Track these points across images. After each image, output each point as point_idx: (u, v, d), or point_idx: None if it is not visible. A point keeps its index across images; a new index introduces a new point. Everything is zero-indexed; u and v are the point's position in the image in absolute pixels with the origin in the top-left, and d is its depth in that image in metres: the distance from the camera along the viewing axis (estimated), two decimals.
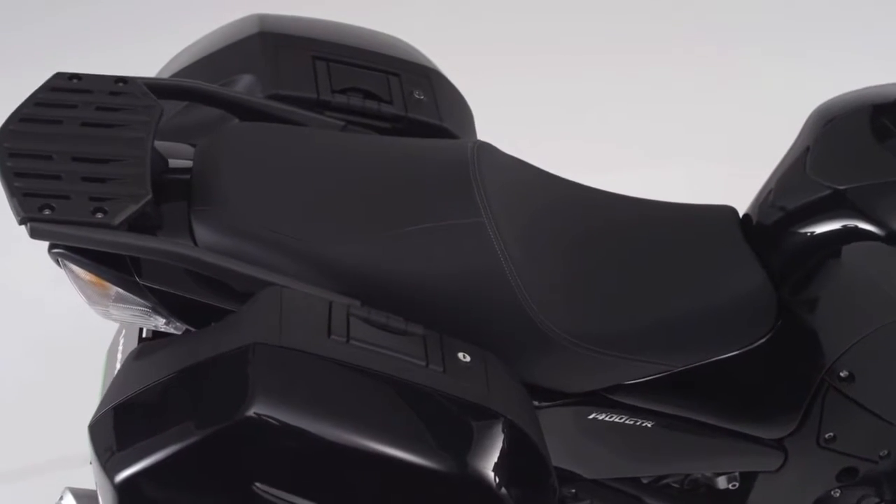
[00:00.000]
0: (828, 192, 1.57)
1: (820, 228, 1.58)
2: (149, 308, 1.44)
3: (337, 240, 1.45)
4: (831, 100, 1.69)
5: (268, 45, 1.73)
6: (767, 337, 1.60)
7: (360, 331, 1.33)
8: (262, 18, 1.78)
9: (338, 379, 1.27)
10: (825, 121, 1.66)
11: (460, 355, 1.37)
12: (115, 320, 1.49)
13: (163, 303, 1.43)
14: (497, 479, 1.29)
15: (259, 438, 1.22)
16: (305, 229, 1.45)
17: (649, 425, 1.63)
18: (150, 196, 1.36)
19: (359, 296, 1.41)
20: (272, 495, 1.23)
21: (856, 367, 1.61)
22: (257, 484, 1.22)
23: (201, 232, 1.42)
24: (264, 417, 1.21)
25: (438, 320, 1.43)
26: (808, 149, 1.64)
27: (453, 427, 1.31)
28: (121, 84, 1.52)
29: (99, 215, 1.33)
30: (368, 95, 1.74)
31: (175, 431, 1.23)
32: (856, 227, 1.54)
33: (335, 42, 1.79)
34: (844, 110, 1.65)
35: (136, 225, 1.36)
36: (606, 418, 1.60)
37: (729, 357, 1.60)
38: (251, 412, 1.21)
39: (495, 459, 1.30)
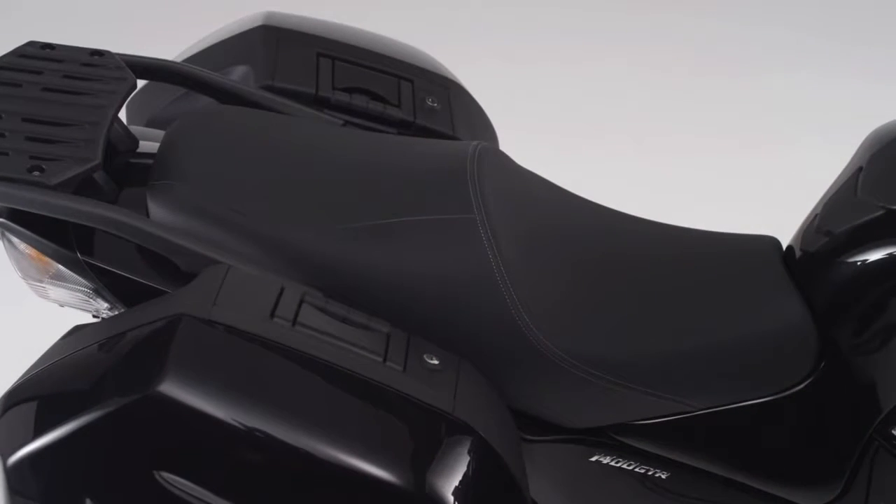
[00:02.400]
0: (881, 212, 1.36)
1: (872, 256, 1.35)
2: (90, 290, 1.29)
3: (305, 227, 1.29)
4: (889, 122, 1.49)
5: (270, 38, 1.62)
6: (807, 382, 1.37)
7: (311, 318, 1.16)
8: (270, 14, 1.67)
9: (270, 362, 1.10)
10: (881, 142, 1.45)
11: (427, 357, 1.18)
12: (53, 301, 1.34)
13: (106, 284, 1.28)
14: (454, 502, 1.08)
15: (166, 419, 1.05)
16: (271, 213, 1.29)
17: (663, 476, 1.40)
18: (97, 161, 1.23)
19: (324, 289, 1.24)
20: (178, 487, 1.04)
21: None
22: (161, 472, 1.04)
23: (155, 207, 1.28)
24: (173, 396, 1.04)
25: (416, 324, 1.25)
26: (860, 169, 1.43)
27: (406, 432, 1.11)
28: (96, 57, 1.42)
29: (36, 174, 1.20)
30: (374, 97, 1.60)
31: (74, 409, 1.06)
32: None
33: (344, 42, 1.66)
34: None
35: (82, 194, 1.23)
36: (612, 462, 1.38)
37: (761, 402, 1.37)
38: (158, 389, 1.04)
39: (455, 478, 1.10)
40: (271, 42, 1.61)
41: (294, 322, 1.13)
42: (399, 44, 1.74)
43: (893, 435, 1.37)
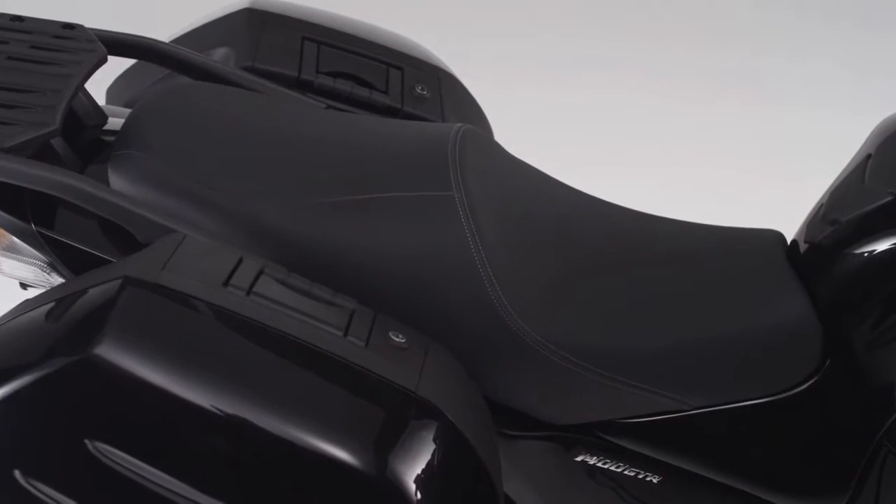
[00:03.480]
0: (889, 199, 1.27)
1: (881, 245, 1.26)
2: (45, 263, 1.23)
3: (272, 201, 1.21)
4: None
5: (254, 20, 1.56)
6: (810, 382, 1.27)
7: (269, 289, 1.08)
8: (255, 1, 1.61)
9: (218, 330, 1.02)
10: (891, 129, 1.36)
11: (393, 335, 1.10)
12: (6, 275, 1.27)
13: (61, 258, 1.21)
14: (417, 490, 0.99)
15: (102, 385, 0.97)
16: (237, 187, 1.22)
17: (655, 480, 1.30)
18: (54, 127, 1.17)
19: (290, 266, 1.16)
20: (111, 459, 0.96)
21: None
22: (95, 442, 0.96)
23: (116, 177, 1.22)
24: (111, 360, 0.97)
25: (388, 306, 1.17)
26: (868, 157, 1.35)
27: (364, 409, 1.03)
28: (67, 30, 1.37)
29: None
30: (361, 83, 1.53)
31: (8, 374, 0.99)
32: None
33: (332, 28, 1.60)
34: None
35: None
36: (599, 463, 1.28)
37: (761, 403, 1.27)
38: (94, 352, 0.97)
39: (417, 462, 1.01)
40: (255, 24, 1.55)
41: (249, 292, 1.06)
42: (391, 33, 1.68)
43: None
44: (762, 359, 1.28)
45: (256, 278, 1.08)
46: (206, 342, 1.01)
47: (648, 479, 1.29)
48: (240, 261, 1.10)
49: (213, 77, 1.43)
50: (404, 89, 1.54)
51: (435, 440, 1.03)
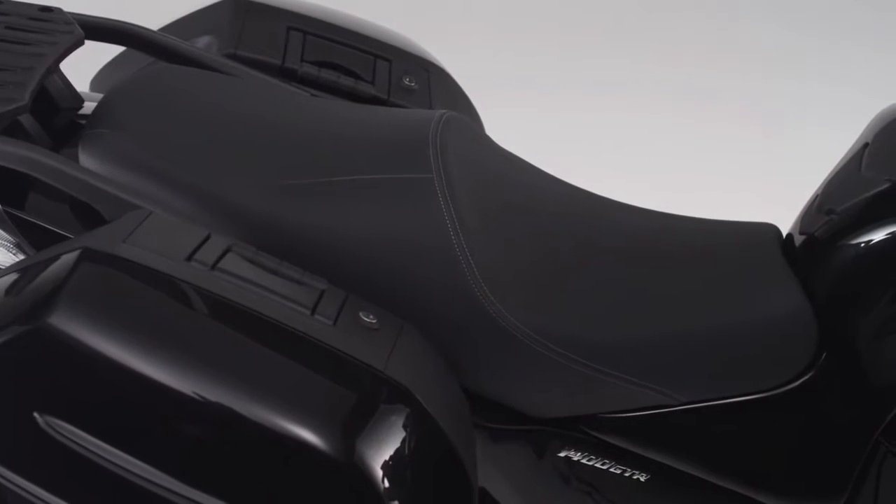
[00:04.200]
0: (886, 185, 1.22)
1: (877, 235, 1.21)
2: (12, 244, 1.19)
3: (242, 182, 1.18)
4: None
5: (239, 9, 1.53)
6: (805, 378, 1.22)
7: (235, 265, 1.04)
8: None
9: (178, 303, 0.98)
10: (889, 118, 1.32)
11: (364, 315, 1.06)
12: None
13: (29, 239, 1.18)
14: (383, 474, 0.95)
15: (54, 356, 0.94)
16: (208, 167, 1.19)
17: (642, 479, 1.24)
18: (23, 103, 1.14)
19: (262, 248, 1.12)
20: (63, 434, 0.92)
21: None
22: (45, 415, 0.92)
23: (86, 155, 1.19)
24: (64, 330, 0.93)
25: (362, 290, 1.13)
26: (865, 146, 1.30)
27: (329, 388, 0.99)
28: (45, 13, 1.34)
29: None
30: (347, 73, 1.50)
31: None
32: None
33: (319, 19, 1.57)
34: None
35: None
36: (583, 460, 1.23)
37: (753, 399, 1.22)
38: (47, 322, 0.93)
39: (384, 446, 0.96)
40: (239, 13, 1.52)
41: (213, 267, 1.02)
42: (381, 27, 1.65)
43: None
44: (754, 353, 1.23)
45: (223, 255, 1.04)
46: (165, 315, 0.98)
47: (635, 477, 1.24)
48: (206, 238, 1.06)
49: (193, 63, 1.40)
50: (391, 80, 1.51)
51: (404, 423, 0.99)
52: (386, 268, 1.16)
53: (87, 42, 1.32)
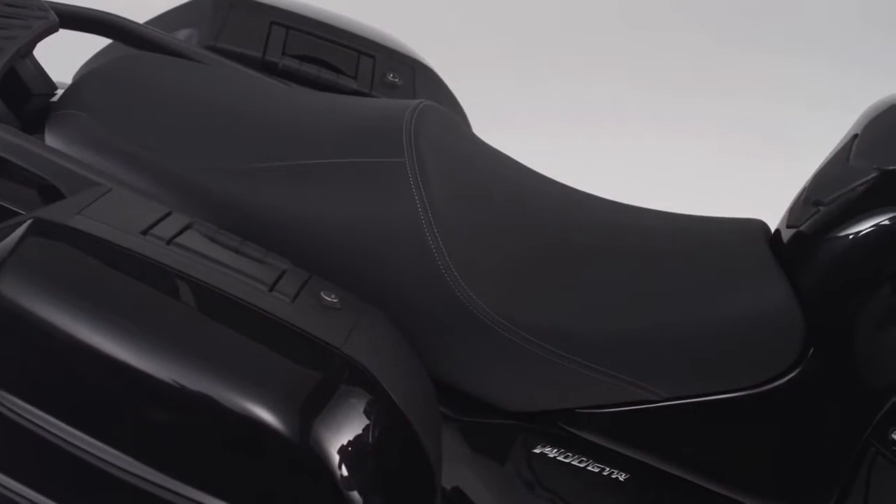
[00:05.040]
0: (874, 175, 1.18)
1: (865, 226, 1.16)
2: None
3: (207, 164, 1.15)
4: (889, 95, 1.32)
5: (221, 3, 1.51)
6: (790, 376, 1.17)
7: (194, 242, 1.01)
8: None
9: (128, 274, 0.95)
10: (879, 110, 1.28)
11: (325, 294, 1.02)
12: None
13: None
14: (336, 454, 0.91)
15: None
16: (175, 150, 1.16)
17: (621, 478, 1.20)
18: None
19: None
20: (5, 405, 0.88)
21: None
22: None
23: (52, 135, 1.17)
24: (7, 296, 0.90)
25: (327, 275, 1.09)
26: (855, 136, 1.26)
27: (282, 364, 0.95)
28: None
29: None
30: (329, 68, 1.47)
31: None
32: None
33: (305, 15, 1.55)
34: None
35: None
36: (560, 457, 1.19)
37: (737, 396, 1.18)
38: None
39: (339, 427, 0.93)
40: (222, 7, 1.50)
41: (170, 242, 0.98)
42: (368, 25, 1.63)
43: (893, 439, 1.17)
44: (738, 349, 1.19)
45: (181, 231, 1.01)
46: (114, 287, 0.94)
47: (615, 476, 1.19)
48: (166, 214, 1.03)
49: (169, 53, 1.38)
50: (375, 76, 1.48)
51: (360, 403, 0.95)
52: (354, 252, 1.12)
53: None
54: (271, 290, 0.99)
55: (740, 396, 1.18)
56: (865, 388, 1.18)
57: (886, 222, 1.15)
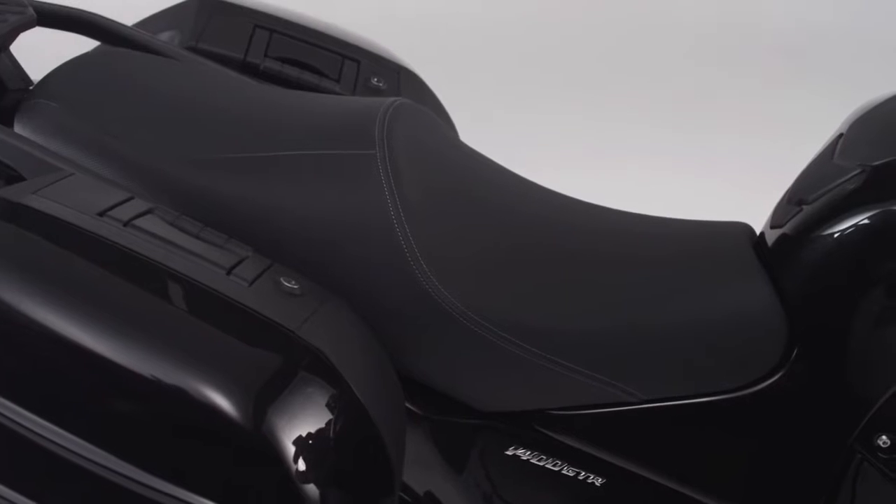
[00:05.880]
0: (857, 171, 1.15)
1: (849, 224, 1.13)
2: None
3: (172, 153, 1.14)
4: (875, 96, 1.29)
5: (205, 6, 1.50)
6: (773, 379, 1.14)
7: (153, 225, 0.99)
8: None
9: (80, 254, 0.93)
10: (865, 109, 1.26)
11: (285, 280, 1.00)
12: None
13: None
14: (288, 441, 0.88)
15: None
16: (142, 141, 1.15)
17: (598, 483, 1.16)
18: None
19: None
20: None
21: None
22: None
23: (21, 123, 1.16)
24: None
25: (299, 266, 1.07)
26: (840, 136, 1.24)
27: (232, 346, 0.92)
28: None
29: None
30: (311, 71, 1.46)
31: None
32: (894, 214, 1.11)
33: (290, 20, 1.53)
34: (890, 98, 1.25)
35: None
36: (534, 459, 1.15)
37: (718, 399, 1.14)
38: None
39: (290, 414, 0.90)
40: (205, 10, 1.49)
41: (127, 224, 0.96)
42: (356, 33, 1.61)
43: (878, 445, 1.13)
44: (718, 351, 1.15)
45: (140, 215, 0.99)
46: (65, 265, 0.92)
47: (590, 480, 1.16)
48: (127, 199, 1.02)
49: (149, 52, 1.37)
50: (358, 80, 1.47)
51: (316, 391, 0.92)
52: (321, 243, 1.10)
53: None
54: (228, 273, 0.96)
55: (721, 399, 1.14)
56: (850, 392, 1.14)
57: (869, 220, 1.11)
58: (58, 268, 0.92)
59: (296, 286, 0.99)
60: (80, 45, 1.42)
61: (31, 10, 1.29)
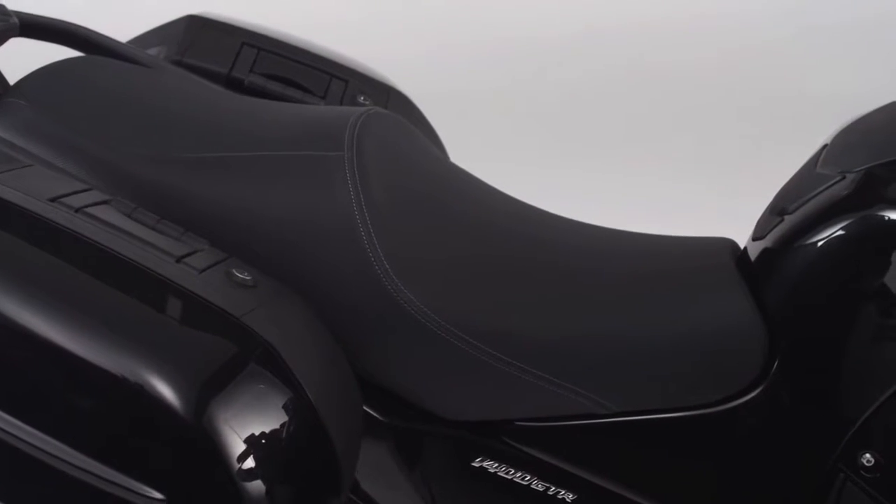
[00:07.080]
0: (839, 178, 1.12)
1: (830, 233, 1.09)
2: None
3: (138, 152, 1.13)
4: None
5: (194, 23, 1.51)
6: (751, 394, 1.09)
7: (107, 215, 0.97)
8: (204, 12, 1.56)
9: (24, 236, 0.91)
10: (850, 121, 1.23)
11: (238, 271, 0.97)
12: None
13: None
14: (227, 432, 0.86)
15: None
16: (109, 140, 1.14)
17: (568, 499, 1.12)
18: None
19: None
20: None
21: (883, 447, 1.07)
22: None
23: None
24: None
25: (262, 267, 1.05)
26: (824, 147, 1.21)
27: (174, 331, 0.90)
28: None
29: None
30: (297, 87, 1.45)
31: None
32: (875, 219, 1.07)
33: (278, 39, 1.53)
34: (875, 110, 1.22)
35: None
36: (501, 472, 1.11)
37: (693, 415, 1.10)
38: None
39: (232, 400, 0.87)
40: (194, 27, 1.50)
41: (79, 210, 0.95)
42: (346, 55, 1.61)
43: (862, 464, 1.08)
44: (694, 364, 1.11)
45: (95, 204, 0.98)
46: (8, 247, 0.91)
47: (561, 496, 1.11)
48: (84, 189, 1.00)
49: (131, 62, 1.37)
50: (345, 98, 1.46)
51: (259, 380, 0.89)
52: (284, 242, 1.08)
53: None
54: (178, 261, 0.94)
55: (697, 415, 1.10)
56: (833, 407, 1.09)
57: (848, 227, 1.08)
58: (3, 251, 0.90)
59: (248, 278, 0.97)
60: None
61: (14, 20, 1.29)
